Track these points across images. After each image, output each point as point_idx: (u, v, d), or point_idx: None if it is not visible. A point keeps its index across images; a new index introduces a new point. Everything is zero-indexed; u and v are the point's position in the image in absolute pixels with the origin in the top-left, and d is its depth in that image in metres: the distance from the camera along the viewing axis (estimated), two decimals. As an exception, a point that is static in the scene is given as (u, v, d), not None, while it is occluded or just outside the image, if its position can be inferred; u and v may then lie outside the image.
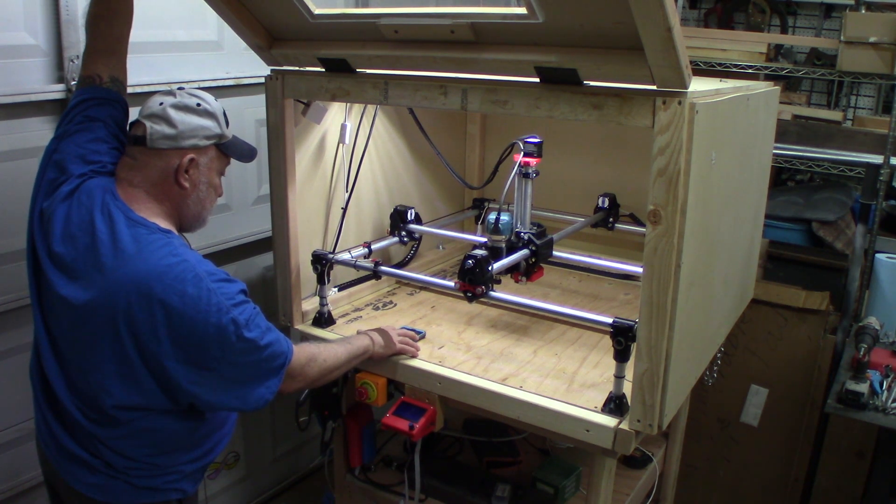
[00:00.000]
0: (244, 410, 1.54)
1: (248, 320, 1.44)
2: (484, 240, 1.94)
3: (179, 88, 1.56)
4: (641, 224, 2.28)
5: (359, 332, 1.83)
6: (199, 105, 1.52)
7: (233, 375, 1.47)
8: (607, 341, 1.65)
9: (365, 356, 1.76)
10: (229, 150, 1.60)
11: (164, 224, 1.51)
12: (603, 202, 2.29)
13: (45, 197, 1.52)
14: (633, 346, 1.54)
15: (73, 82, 1.89)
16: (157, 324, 1.39)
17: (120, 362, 1.42)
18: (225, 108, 1.59)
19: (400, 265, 2.36)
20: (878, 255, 2.77)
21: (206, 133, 1.53)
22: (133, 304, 1.39)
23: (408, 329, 1.92)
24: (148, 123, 1.49)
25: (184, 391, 1.45)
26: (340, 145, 2.16)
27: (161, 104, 1.50)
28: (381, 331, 1.83)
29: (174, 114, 1.49)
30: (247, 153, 1.66)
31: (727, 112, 1.61)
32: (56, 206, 1.49)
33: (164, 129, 1.49)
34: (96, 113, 1.59)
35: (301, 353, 1.58)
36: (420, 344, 1.89)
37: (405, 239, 2.27)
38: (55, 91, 1.89)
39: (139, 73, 1.96)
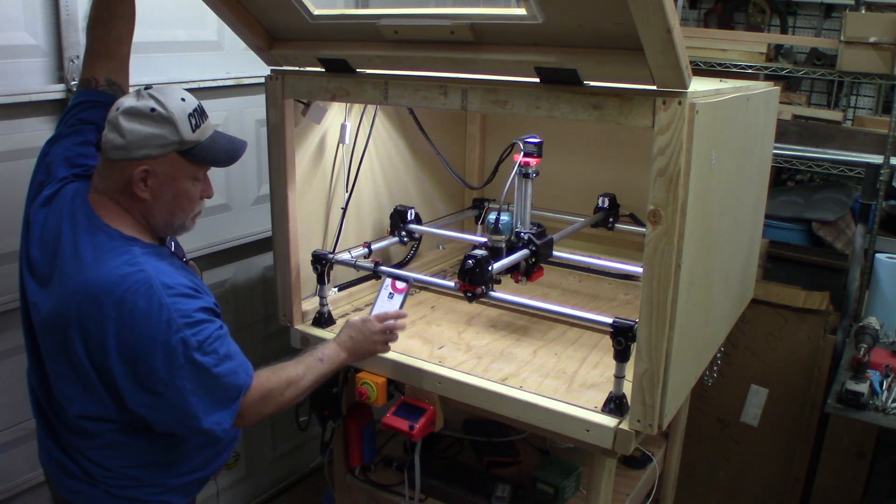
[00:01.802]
0: (190, 437, 1.47)
1: (202, 342, 1.34)
2: (484, 240, 1.94)
3: (146, 88, 1.42)
4: (641, 224, 2.28)
5: (335, 341, 1.66)
6: (153, 111, 1.36)
7: (178, 400, 1.34)
8: (607, 341, 1.65)
9: (336, 370, 1.65)
10: (195, 155, 1.42)
11: (129, 231, 1.41)
12: (603, 202, 2.29)
13: (32, 200, 1.49)
14: (633, 346, 1.54)
15: (74, 82, 1.88)
16: (107, 336, 1.31)
17: (77, 371, 1.37)
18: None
19: (400, 265, 2.35)
20: (878, 255, 2.78)
21: (159, 142, 1.37)
22: (84, 314, 1.32)
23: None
24: (105, 131, 1.39)
25: (130, 409, 1.37)
26: (340, 145, 2.16)
27: (117, 109, 1.38)
28: (357, 330, 1.67)
29: (124, 122, 1.36)
30: (224, 157, 1.48)
31: (727, 112, 1.61)
32: (36, 211, 1.46)
33: (115, 138, 1.37)
34: (89, 116, 1.56)
35: (257, 388, 1.44)
36: (420, 344, 1.89)
37: (405, 239, 2.27)
38: (55, 91, 1.89)
39: (139, 73, 1.96)
